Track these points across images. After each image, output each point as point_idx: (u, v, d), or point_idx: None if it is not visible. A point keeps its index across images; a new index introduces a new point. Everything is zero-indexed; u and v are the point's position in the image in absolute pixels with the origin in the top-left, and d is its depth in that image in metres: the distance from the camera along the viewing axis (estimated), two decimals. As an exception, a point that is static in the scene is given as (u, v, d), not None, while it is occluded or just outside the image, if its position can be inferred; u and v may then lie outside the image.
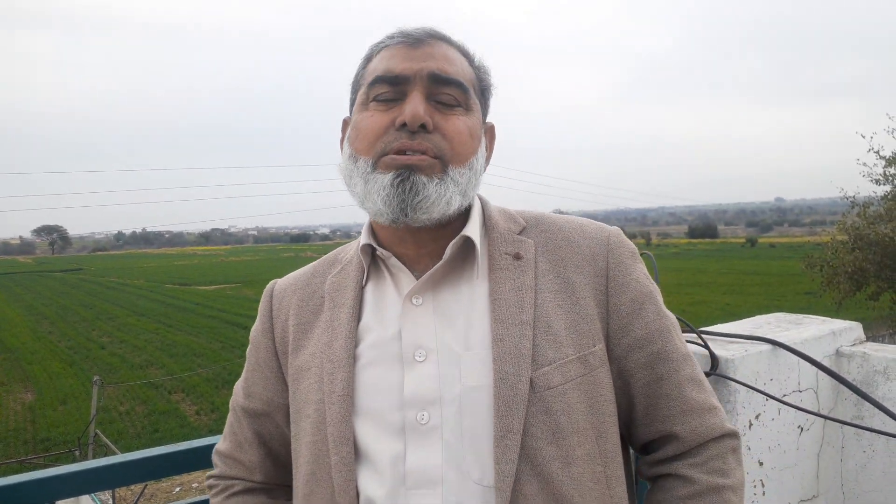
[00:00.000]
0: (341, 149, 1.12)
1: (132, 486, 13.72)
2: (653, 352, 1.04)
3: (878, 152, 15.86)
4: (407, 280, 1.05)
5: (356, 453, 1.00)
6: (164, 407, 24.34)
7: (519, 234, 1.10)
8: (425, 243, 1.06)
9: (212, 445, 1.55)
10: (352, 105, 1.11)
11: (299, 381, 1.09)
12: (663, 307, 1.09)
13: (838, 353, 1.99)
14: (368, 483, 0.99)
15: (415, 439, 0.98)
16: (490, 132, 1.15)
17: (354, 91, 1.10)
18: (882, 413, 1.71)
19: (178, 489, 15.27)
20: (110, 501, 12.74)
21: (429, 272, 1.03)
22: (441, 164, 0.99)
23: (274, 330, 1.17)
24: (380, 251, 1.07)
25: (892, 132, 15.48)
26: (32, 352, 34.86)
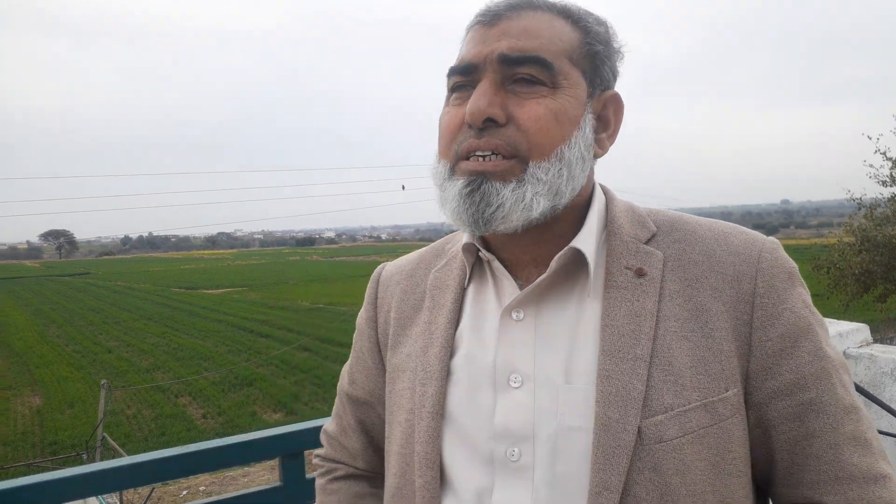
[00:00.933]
0: None
1: (139, 490, 13.75)
2: (804, 401, 0.85)
3: (884, 154, 15.81)
4: (510, 288, 0.94)
5: (441, 477, 0.93)
6: (171, 410, 24.41)
7: (646, 242, 0.92)
8: (527, 248, 0.93)
9: (217, 448, 1.56)
10: None
11: (395, 381, 1.03)
12: (825, 345, 0.88)
13: (845, 355, 1.98)
14: None
15: (503, 476, 0.88)
16: (612, 102, 0.95)
17: None
18: (890, 415, 1.71)
19: (185, 493, 15.28)
20: (117, 505, 12.75)
21: (531, 285, 0.90)
22: (518, 162, 0.86)
23: (377, 319, 1.11)
24: (483, 253, 0.95)
25: (899, 133, 15.43)
26: (40, 356, 34.99)
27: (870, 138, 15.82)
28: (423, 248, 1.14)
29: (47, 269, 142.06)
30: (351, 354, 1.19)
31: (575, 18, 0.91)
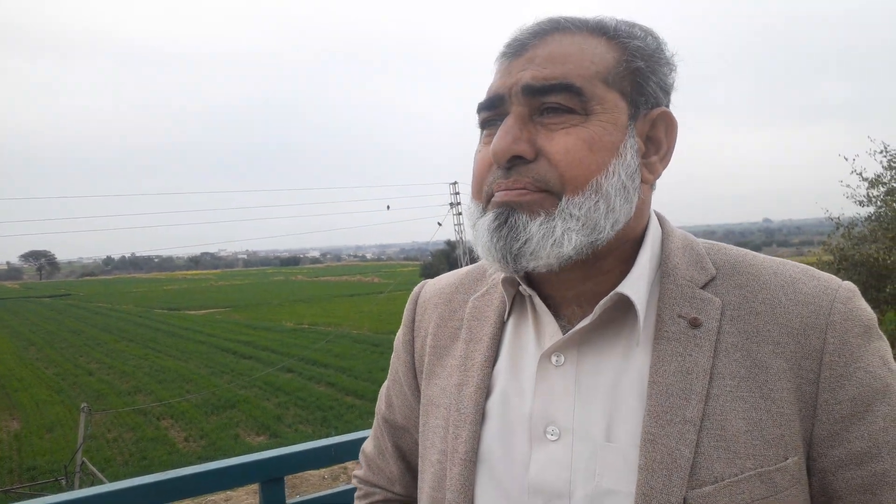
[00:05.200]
0: None
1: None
2: (875, 472, 0.77)
3: (860, 174, 16.05)
4: (550, 328, 0.88)
5: None
6: (152, 434, 24.07)
7: (704, 287, 0.85)
8: (571, 284, 0.87)
9: (196, 474, 1.57)
10: None
11: (428, 415, 0.99)
12: None
13: None
14: None
15: None
16: (662, 120, 0.86)
17: None
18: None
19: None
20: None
21: (572, 330, 0.84)
22: (550, 195, 0.80)
23: (414, 343, 1.07)
24: (523, 288, 0.90)
25: (874, 154, 15.70)
26: (19, 379, 34.42)
27: (846, 159, 16.05)
28: (465, 269, 1.10)
29: (27, 290, 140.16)
30: (388, 375, 1.15)
31: (611, 35, 0.84)
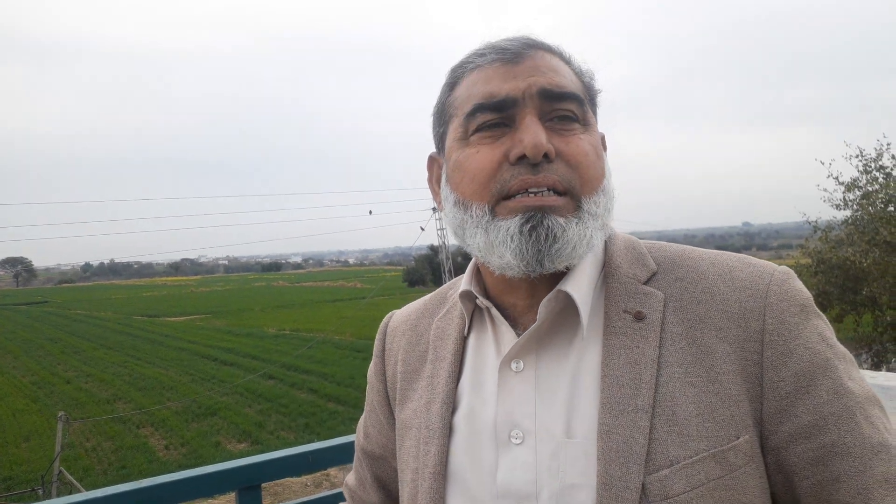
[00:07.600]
0: (432, 190, 0.99)
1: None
2: (825, 444, 0.79)
3: (836, 178, 16.25)
4: (508, 337, 0.90)
5: None
6: (132, 442, 23.79)
7: (646, 282, 0.89)
8: (540, 292, 0.88)
9: (172, 482, 1.56)
10: (438, 139, 0.96)
11: (403, 438, 1.01)
12: (847, 380, 0.81)
13: None
14: None
15: None
16: (604, 143, 0.95)
17: (441, 123, 0.95)
18: None
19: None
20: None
21: (525, 333, 0.87)
22: (572, 198, 0.83)
23: (386, 372, 1.10)
24: (480, 300, 0.93)
25: (850, 158, 15.92)
26: (-6, 388, 33.90)
27: (822, 163, 16.24)
28: (429, 295, 1.13)
29: (3, 297, 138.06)
30: (365, 407, 1.17)
31: (573, 65, 0.92)
